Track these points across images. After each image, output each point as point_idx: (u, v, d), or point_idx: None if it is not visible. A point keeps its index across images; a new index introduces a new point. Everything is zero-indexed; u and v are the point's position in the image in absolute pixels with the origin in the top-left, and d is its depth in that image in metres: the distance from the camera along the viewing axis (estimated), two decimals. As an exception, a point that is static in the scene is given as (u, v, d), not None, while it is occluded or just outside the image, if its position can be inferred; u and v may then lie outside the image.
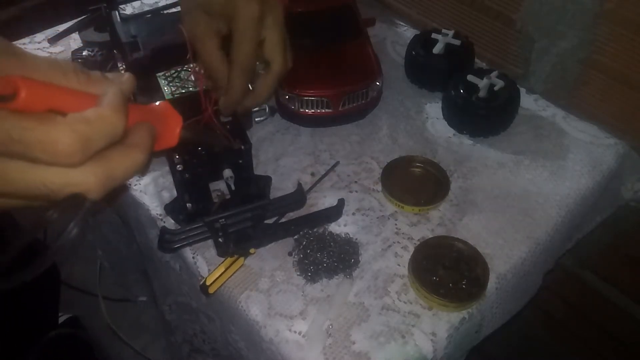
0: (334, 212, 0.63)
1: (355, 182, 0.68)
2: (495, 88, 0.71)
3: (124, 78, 0.31)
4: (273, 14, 0.52)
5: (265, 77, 0.55)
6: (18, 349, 0.74)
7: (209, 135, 0.52)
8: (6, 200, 0.28)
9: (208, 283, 0.56)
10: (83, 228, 0.27)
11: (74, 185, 0.27)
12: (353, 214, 0.64)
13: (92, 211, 0.28)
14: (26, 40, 0.91)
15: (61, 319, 0.97)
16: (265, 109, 0.74)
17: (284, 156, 0.71)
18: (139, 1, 0.88)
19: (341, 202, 0.63)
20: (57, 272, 0.91)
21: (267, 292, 0.57)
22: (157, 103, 0.34)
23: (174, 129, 0.34)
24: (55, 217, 0.26)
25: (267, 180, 0.66)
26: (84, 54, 0.82)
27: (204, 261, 0.59)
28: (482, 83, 0.70)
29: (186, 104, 0.54)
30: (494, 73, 0.72)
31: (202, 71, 0.55)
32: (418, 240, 0.61)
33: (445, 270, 0.57)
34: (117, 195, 0.66)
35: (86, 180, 0.27)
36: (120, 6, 0.77)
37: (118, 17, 0.74)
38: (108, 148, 0.28)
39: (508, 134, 0.73)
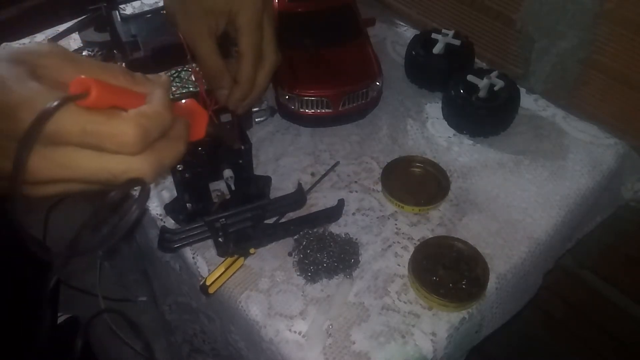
0: (334, 212, 0.63)
1: (355, 182, 0.68)
2: (495, 88, 0.71)
3: (162, 79, 0.35)
4: (267, 9, 0.54)
5: (261, 70, 0.56)
6: (17, 348, 0.74)
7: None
8: (71, 184, 0.32)
9: (208, 283, 0.56)
10: (142, 209, 0.31)
11: (132, 171, 0.31)
12: (353, 214, 0.64)
13: (147, 198, 0.32)
14: (26, 40, 0.91)
15: (61, 319, 0.96)
16: (265, 109, 0.74)
17: (284, 156, 0.71)
18: (139, 1, 0.89)
19: (341, 202, 0.63)
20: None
21: (267, 292, 0.57)
22: (184, 101, 0.39)
23: (201, 123, 0.39)
24: (117, 198, 0.31)
25: (267, 180, 0.66)
26: (84, 54, 0.81)
27: (204, 261, 0.59)
28: (482, 83, 0.70)
29: None
30: (494, 73, 0.72)
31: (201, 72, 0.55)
32: (418, 240, 0.61)
33: (445, 270, 0.57)
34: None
35: (142, 167, 0.31)
36: (120, 6, 0.77)
37: (118, 16, 0.74)
38: (157, 140, 0.32)
39: (508, 134, 0.73)
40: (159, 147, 0.33)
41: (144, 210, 0.31)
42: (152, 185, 0.33)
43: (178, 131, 0.34)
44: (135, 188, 0.32)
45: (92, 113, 0.30)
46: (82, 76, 0.30)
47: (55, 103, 0.28)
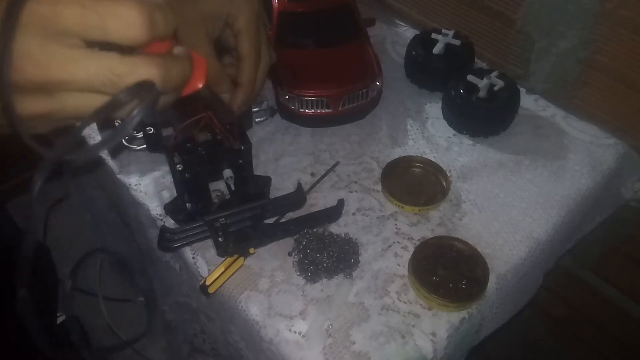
0: (334, 212, 0.63)
1: (355, 182, 0.68)
2: (495, 88, 0.71)
3: None
4: (260, 11, 0.55)
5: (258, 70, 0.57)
6: (16, 348, 0.74)
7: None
8: (70, 96, 0.29)
9: (208, 283, 0.56)
10: (147, 112, 0.28)
11: (137, 73, 0.28)
12: (353, 214, 0.64)
13: (154, 103, 0.29)
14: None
15: (61, 319, 0.97)
16: (265, 109, 0.74)
17: (284, 156, 0.71)
18: (139, 1, 0.89)
19: (341, 202, 0.63)
20: (55, 272, 0.91)
21: (267, 292, 0.57)
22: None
23: (200, 72, 0.34)
24: (124, 99, 0.28)
25: (266, 180, 0.66)
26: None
27: (204, 261, 0.59)
28: (482, 83, 0.70)
29: (186, 105, 0.54)
30: (494, 73, 0.72)
31: None
32: (418, 240, 0.61)
33: (445, 270, 0.57)
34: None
35: (149, 70, 0.28)
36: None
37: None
38: (163, 48, 0.30)
39: (508, 134, 0.73)
40: (165, 57, 0.30)
41: (148, 116, 0.28)
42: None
43: (183, 51, 0.31)
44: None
45: None
46: None
47: None
